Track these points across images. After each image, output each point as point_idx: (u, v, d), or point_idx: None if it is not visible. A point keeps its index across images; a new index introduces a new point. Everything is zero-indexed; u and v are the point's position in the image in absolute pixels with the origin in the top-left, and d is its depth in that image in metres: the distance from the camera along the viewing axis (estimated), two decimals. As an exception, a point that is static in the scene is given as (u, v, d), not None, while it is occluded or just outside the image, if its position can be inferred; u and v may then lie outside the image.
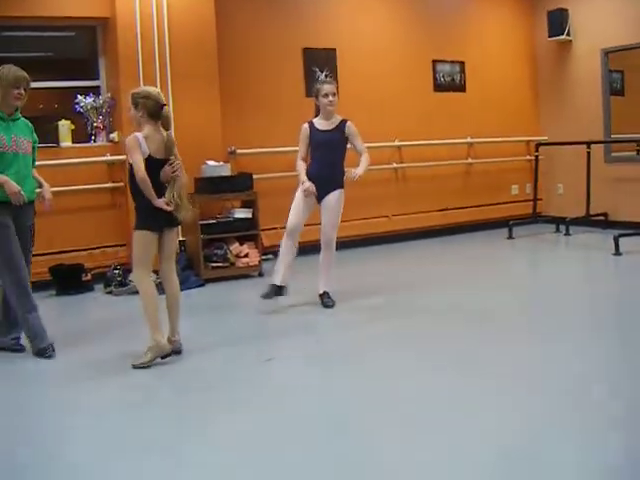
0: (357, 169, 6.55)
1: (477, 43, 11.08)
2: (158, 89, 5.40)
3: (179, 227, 5.56)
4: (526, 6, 11.57)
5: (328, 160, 6.66)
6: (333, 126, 6.64)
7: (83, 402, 4.49)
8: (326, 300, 6.70)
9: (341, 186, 6.67)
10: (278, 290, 6.62)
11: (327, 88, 6.54)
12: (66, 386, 4.83)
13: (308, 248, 7.48)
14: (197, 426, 4.00)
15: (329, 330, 5.96)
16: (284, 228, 9.18)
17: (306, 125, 6.67)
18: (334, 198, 6.63)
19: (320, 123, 6.65)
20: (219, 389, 4.60)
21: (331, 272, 6.79)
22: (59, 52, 8.75)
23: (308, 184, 6.49)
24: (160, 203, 5.09)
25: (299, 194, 6.63)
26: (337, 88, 6.66)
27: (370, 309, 6.57)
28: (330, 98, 6.52)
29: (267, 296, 6.60)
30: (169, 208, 5.13)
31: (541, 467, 3.28)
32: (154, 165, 5.09)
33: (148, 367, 5.01)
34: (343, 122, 6.67)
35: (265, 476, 3.37)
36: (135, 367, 5.01)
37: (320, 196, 6.62)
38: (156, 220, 5.16)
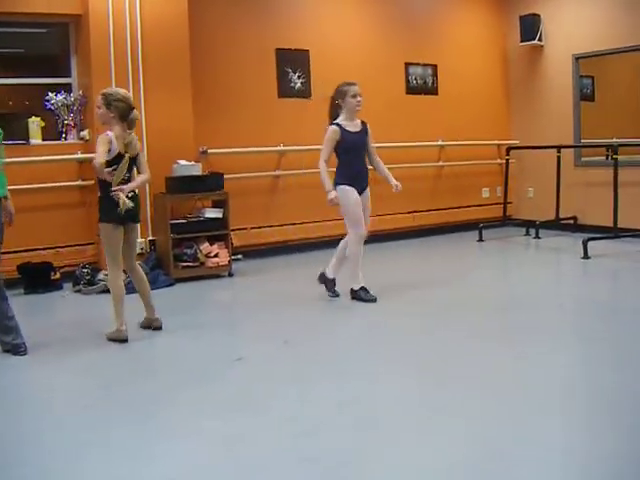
0: (395, 181, 6.95)
1: (450, 47, 11.14)
2: (126, 91, 5.88)
3: (138, 226, 5.96)
4: (499, 11, 11.64)
5: (361, 160, 6.84)
6: (359, 128, 6.80)
7: (48, 399, 4.48)
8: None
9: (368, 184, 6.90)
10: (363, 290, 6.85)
11: (356, 89, 6.66)
12: (32, 384, 4.82)
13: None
14: (162, 425, 4.00)
15: (299, 331, 5.92)
16: (254, 228, 9.28)
17: (336, 127, 6.69)
18: (369, 195, 6.88)
19: (348, 125, 6.73)
20: (187, 387, 4.59)
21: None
22: (31, 48, 8.68)
23: (334, 195, 6.59)
24: (118, 188, 5.47)
25: (354, 201, 6.69)
26: None
27: (340, 310, 6.59)
28: (359, 99, 6.66)
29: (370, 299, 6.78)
30: (123, 192, 5.47)
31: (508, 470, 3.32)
32: (121, 162, 5.50)
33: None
34: (365, 124, 6.86)
35: (228, 474, 3.37)
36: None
37: (359, 192, 6.74)
38: (118, 213, 5.48)
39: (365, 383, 4.61)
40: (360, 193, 6.71)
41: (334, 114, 6.81)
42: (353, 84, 6.71)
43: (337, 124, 6.70)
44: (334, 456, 3.52)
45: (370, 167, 6.98)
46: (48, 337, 5.87)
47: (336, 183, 6.68)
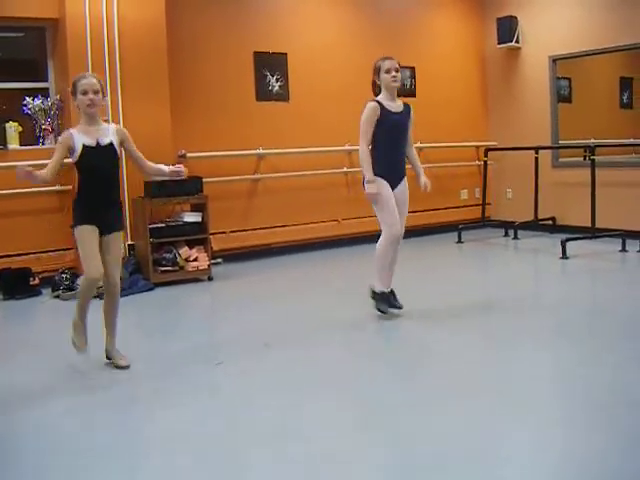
0: (424, 178, 6.27)
1: (427, 49, 11.18)
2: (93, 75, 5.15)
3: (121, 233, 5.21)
4: (476, 13, 11.70)
5: (400, 145, 6.11)
6: (402, 109, 6.07)
7: (25, 403, 4.45)
8: (395, 302, 6.25)
9: (405, 173, 6.21)
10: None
11: (389, 64, 5.99)
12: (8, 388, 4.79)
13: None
14: (142, 429, 4.00)
15: (280, 334, 5.91)
16: (234, 232, 9.26)
17: (375, 104, 5.95)
18: (406, 188, 6.20)
19: (389, 104, 5.99)
20: (168, 391, 4.58)
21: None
22: (7, 53, 8.64)
23: (375, 188, 5.91)
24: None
25: (386, 193, 5.99)
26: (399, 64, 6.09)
27: (322, 313, 6.58)
28: (393, 73, 5.96)
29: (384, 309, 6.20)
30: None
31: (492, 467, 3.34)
32: (93, 153, 4.92)
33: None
34: (408, 105, 6.17)
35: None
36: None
37: (393, 184, 6.06)
38: (91, 218, 4.98)
39: (346, 385, 4.62)
40: (394, 186, 6.06)
41: (376, 94, 6.14)
42: (387, 58, 6.05)
43: (377, 100, 6.01)
44: (315, 457, 3.53)
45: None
46: (24, 343, 5.85)
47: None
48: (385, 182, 6.00)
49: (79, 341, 5.08)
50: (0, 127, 7.89)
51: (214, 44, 9.21)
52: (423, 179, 6.23)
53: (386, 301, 6.21)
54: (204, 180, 8.37)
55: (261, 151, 9.49)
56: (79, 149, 4.90)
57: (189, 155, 8.82)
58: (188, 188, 8.20)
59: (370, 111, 5.95)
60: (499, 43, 11.21)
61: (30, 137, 8.13)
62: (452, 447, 3.56)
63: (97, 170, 4.98)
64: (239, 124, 9.37)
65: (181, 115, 8.74)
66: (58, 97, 8.17)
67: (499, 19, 11.13)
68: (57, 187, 8.00)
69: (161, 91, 8.36)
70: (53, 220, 8.04)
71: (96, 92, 4.91)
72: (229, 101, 9.34)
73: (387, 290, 6.23)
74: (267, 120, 9.59)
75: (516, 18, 11.03)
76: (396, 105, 6.05)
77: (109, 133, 5.03)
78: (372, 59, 10.44)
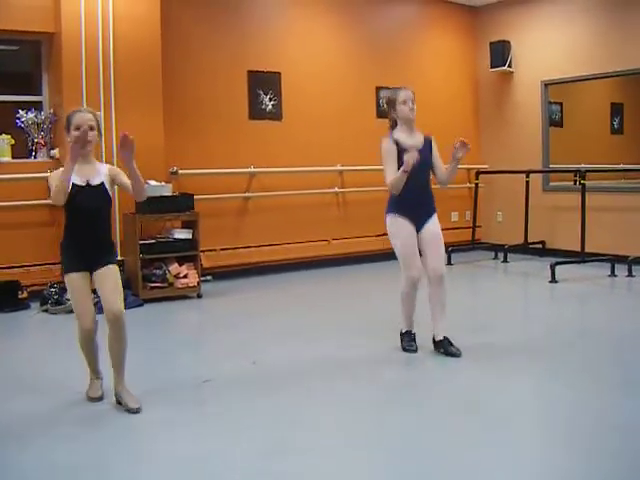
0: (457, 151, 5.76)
1: (421, 71, 11.23)
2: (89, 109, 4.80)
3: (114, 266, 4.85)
4: (469, 37, 11.78)
5: (421, 182, 5.62)
6: (420, 142, 5.69)
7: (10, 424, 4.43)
8: (450, 348, 5.63)
9: (435, 209, 5.76)
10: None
11: (404, 94, 5.58)
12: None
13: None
14: (130, 447, 3.97)
15: (268, 352, 5.90)
16: (224, 249, 9.26)
17: (390, 141, 5.60)
18: (436, 225, 5.69)
19: (405, 138, 5.62)
20: (155, 409, 4.55)
21: (446, 312, 5.77)
22: (1, 65, 8.64)
23: (414, 153, 5.32)
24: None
25: (403, 235, 5.61)
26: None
27: (310, 332, 6.57)
28: (410, 105, 5.58)
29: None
30: None
31: None
32: (83, 193, 4.59)
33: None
34: (428, 137, 5.81)
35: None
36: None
37: (419, 225, 5.62)
38: (81, 261, 4.62)
39: (334, 404, 4.62)
40: (420, 225, 5.65)
41: (392, 127, 5.76)
42: (402, 89, 5.64)
43: (390, 137, 5.65)
44: (303, 477, 3.52)
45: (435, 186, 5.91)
46: (11, 358, 5.83)
47: (387, 211, 5.73)
48: (404, 222, 5.59)
49: (94, 393, 4.79)
50: (-8, 139, 7.89)
51: (208, 62, 9.24)
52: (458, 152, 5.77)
53: (409, 339, 5.87)
54: (195, 197, 8.38)
55: (253, 169, 9.50)
56: (69, 188, 4.47)
57: (181, 172, 8.83)
58: (179, 205, 8.21)
59: (387, 146, 5.60)
60: (492, 67, 11.29)
61: (23, 150, 8.13)
62: (448, 464, 3.56)
63: (86, 211, 4.61)
64: (231, 142, 9.39)
65: (174, 132, 8.75)
66: (51, 111, 8.17)
67: (492, 43, 11.21)
68: (48, 201, 7.96)
69: (155, 107, 8.38)
70: (43, 233, 8.02)
71: (91, 128, 4.56)
72: (222, 119, 9.36)
73: (412, 329, 5.89)
74: (259, 139, 9.61)
75: (509, 43, 11.12)
76: (414, 139, 5.68)
77: (101, 173, 4.69)
78: (366, 80, 10.60)
